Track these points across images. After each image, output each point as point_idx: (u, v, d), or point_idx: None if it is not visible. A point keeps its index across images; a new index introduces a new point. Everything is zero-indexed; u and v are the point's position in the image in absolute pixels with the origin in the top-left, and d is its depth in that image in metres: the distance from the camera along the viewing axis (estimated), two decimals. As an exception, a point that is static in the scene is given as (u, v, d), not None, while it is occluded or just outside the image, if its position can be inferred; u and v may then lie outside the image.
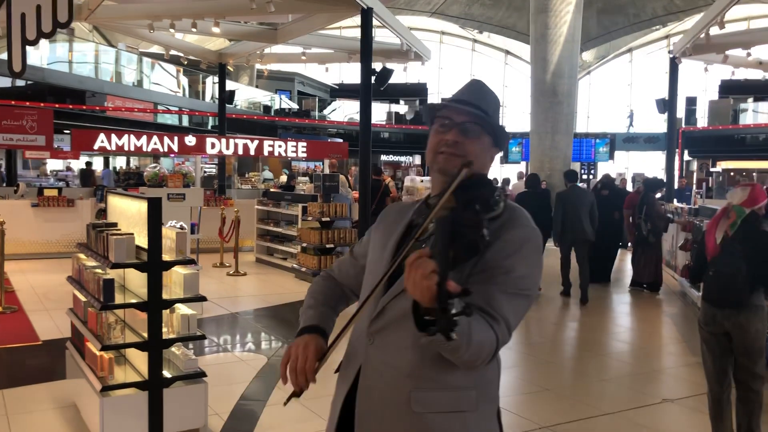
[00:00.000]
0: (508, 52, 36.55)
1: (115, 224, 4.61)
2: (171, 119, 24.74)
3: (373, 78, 9.35)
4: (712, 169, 25.69)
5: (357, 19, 10.45)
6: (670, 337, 7.96)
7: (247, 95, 29.01)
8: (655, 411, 5.23)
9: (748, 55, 13.97)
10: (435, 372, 1.67)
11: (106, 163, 26.72)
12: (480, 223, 1.52)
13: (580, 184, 11.57)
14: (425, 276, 1.35)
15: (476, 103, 1.77)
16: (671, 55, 14.74)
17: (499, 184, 12.86)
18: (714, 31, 11.58)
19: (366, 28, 9.43)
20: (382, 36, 14.53)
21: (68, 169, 24.53)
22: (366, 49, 9.37)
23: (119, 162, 28.16)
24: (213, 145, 13.72)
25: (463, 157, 1.70)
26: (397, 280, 1.70)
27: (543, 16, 17.59)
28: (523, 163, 26.35)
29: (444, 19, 31.52)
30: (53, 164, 24.99)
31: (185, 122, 25.38)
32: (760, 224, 4.13)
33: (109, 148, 12.71)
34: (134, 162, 27.29)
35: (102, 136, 12.64)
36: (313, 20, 12.32)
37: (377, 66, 11.73)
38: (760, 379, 4.15)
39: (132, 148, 12.90)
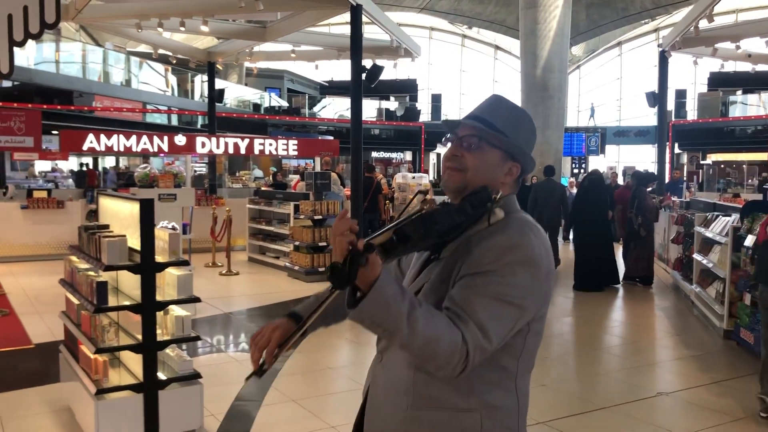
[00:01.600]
0: (497, 47, 36.60)
1: (107, 226, 4.58)
2: (160, 118, 24.63)
3: (363, 75, 9.31)
4: (702, 162, 25.80)
5: (346, 16, 10.42)
6: (664, 331, 7.99)
7: (236, 93, 28.93)
8: (650, 404, 5.24)
9: (737, 48, 14.02)
10: (431, 390, 1.65)
11: (95, 164, 26.57)
12: (434, 216, 1.54)
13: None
14: (340, 232, 1.44)
15: (484, 116, 1.73)
16: (661, 49, 14.78)
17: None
18: (703, 24, 11.61)
19: (355, 24, 9.40)
20: (371, 32, 14.49)
21: (54, 170, 24.34)
22: (356, 46, 9.34)
23: (108, 162, 28.01)
24: (203, 145, 13.66)
25: (463, 171, 1.70)
26: None
27: (532, 11, 17.61)
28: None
29: (433, 14, 31.52)
30: (40, 165, 24.79)
31: (174, 121, 25.26)
32: None
33: (98, 148, 12.63)
34: (123, 162, 27.14)
35: (91, 137, 12.55)
36: (302, 17, 12.26)
37: (367, 63, 11.69)
38: None
39: (121, 149, 12.83)
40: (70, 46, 22.91)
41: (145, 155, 18.64)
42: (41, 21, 5.58)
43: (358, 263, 1.40)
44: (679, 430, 4.70)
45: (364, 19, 10.54)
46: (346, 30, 10.41)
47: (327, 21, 17.29)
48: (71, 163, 23.44)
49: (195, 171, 19.41)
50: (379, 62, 12.07)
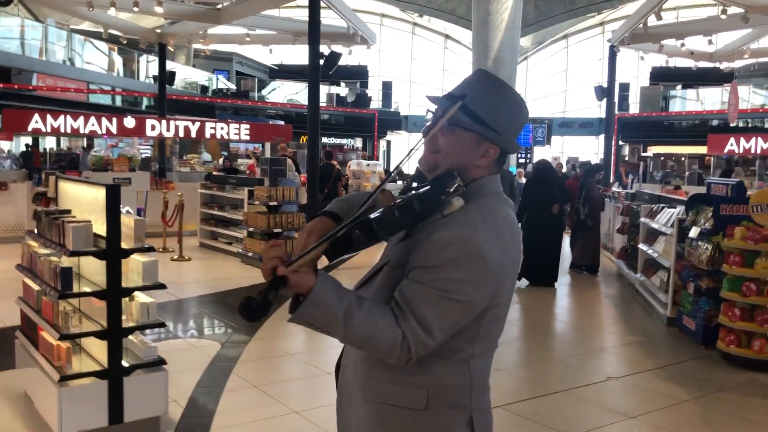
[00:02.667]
0: (447, 37, 36.78)
1: (69, 211, 4.50)
2: (104, 99, 23.94)
3: (321, 61, 9.30)
4: (643, 154, 26.63)
5: (301, 1, 10.35)
6: (610, 318, 8.29)
7: (184, 75, 28.31)
8: (601, 388, 5.47)
9: (682, 45, 14.51)
10: (382, 364, 1.70)
11: (36, 143, 25.67)
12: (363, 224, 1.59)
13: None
14: (267, 259, 1.58)
15: (461, 95, 1.69)
16: (610, 44, 15.17)
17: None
18: (651, 21, 11.97)
19: (314, 10, 9.35)
20: (327, 18, 14.41)
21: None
22: (314, 32, 9.31)
23: (49, 143, 27.10)
24: (153, 127, 13.41)
25: (437, 152, 1.72)
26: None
27: (485, 1, 17.73)
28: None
29: (385, 1, 31.44)
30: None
31: (119, 102, 24.60)
32: None
33: (43, 129, 12.25)
34: (65, 143, 26.31)
35: (36, 117, 12.15)
36: (258, 1, 12.12)
37: (323, 49, 11.64)
38: None
39: (68, 130, 12.47)
40: (7, 21, 22.00)
41: (91, 137, 18.13)
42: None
43: (271, 294, 1.52)
44: (630, 412, 4.93)
45: (321, 4, 10.50)
46: (299, 14, 10.33)
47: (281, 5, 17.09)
48: (9, 144, 22.58)
49: (141, 154, 19.01)
50: (335, 48, 12.05)
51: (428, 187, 1.65)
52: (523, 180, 15.50)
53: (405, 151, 1.74)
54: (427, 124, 1.77)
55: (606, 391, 5.42)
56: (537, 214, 9.53)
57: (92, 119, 12.70)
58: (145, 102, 24.83)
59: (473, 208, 1.66)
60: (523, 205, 9.80)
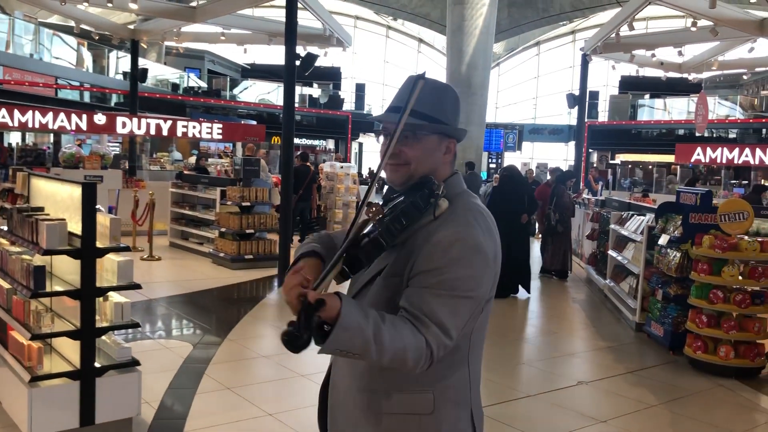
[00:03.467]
0: (421, 41, 36.96)
1: (41, 208, 4.42)
2: (72, 94, 23.54)
3: (297, 62, 9.27)
4: (611, 162, 27.04)
5: (276, 1, 10.27)
6: (580, 322, 8.40)
7: (154, 72, 27.97)
8: (572, 393, 5.54)
9: (653, 55, 14.78)
10: (384, 373, 1.70)
11: (0, 138, 25.14)
12: (370, 242, 1.60)
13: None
14: (289, 288, 1.54)
15: (402, 105, 1.67)
16: (582, 52, 15.39)
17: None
18: (624, 31, 12.18)
19: (291, 11, 9.31)
20: (302, 19, 14.34)
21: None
22: (290, 33, 9.27)
23: (14, 138, 26.55)
24: (124, 125, 13.23)
25: (407, 164, 1.74)
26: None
27: (459, 7, 17.87)
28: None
29: (360, 3, 31.48)
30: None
31: (87, 98, 24.20)
32: None
33: (10, 124, 12.00)
34: (30, 138, 25.80)
35: (3, 111, 11.91)
36: (234, 1, 12.04)
37: (299, 50, 11.60)
38: None
39: (36, 125, 12.24)
40: (-28, 12, 21.54)
41: (59, 132, 17.83)
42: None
43: (312, 321, 1.46)
44: (600, 416, 5.00)
45: (298, 5, 10.46)
46: (274, 13, 10.28)
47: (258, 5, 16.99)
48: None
49: (111, 150, 18.74)
50: (310, 50, 12.02)
51: (416, 193, 1.67)
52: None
53: (377, 154, 1.74)
54: (381, 142, 1.79)
55: (577, 396, 5.50)
56: (504, 223, 8.46)
57: (61, 115, 12.48)
58: (114, 99, 24.47)
59: (458, 207, 1.72)
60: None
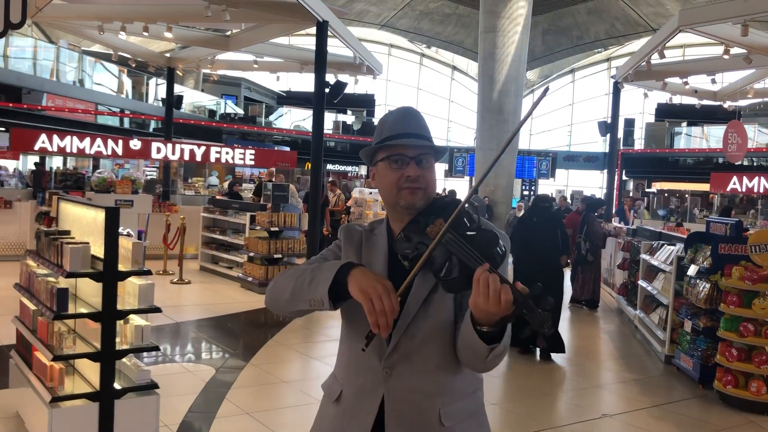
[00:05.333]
0: (454, 68, 37.13)
1: (68, 232, 4.53)
2: (112, 120, 24.16)
3: (327, 90, 9.40)
4: (647, 190, 26.68)
5: (309, 29, 10.46)
6: (608, 354, 8.24)
7: (192, 99, 28.60)
8: (595, 426, 5.43)
9: (686, 83, 14.62)
10: (458, 384, 1.85)
11: (42, 162, 25.87)
12: (495, 238, 1.70)
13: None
14: (497, 288, 1.55)
15: (420, 132, 1.87)
16: (614, 80, 15.30)
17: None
18: (655, 59, 12.09)
19: (321, 40, 9.49)
20: (334, 47, 14.59)
21: (-1, 168, 23.57)
22: (320, 62, 9.43)
23: (56, 162, 27.30)
24: (158, 150, 13.50)
25: (424, 188, 1.83)
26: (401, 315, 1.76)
27: (491, 35, 17.98)
28: (467, 178, 26.85)
29: (393, 32, 31.83)
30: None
31: (126, 124, 24.82)
32: None
33: (50, 149, 12.34)
34: (71, 163, 26.49)
35: (43, 137, 12.26)
36: (267, 29, 12.28)
37: (330, 78, 11.78)
38: None
39: (74, 150, 12.57)
40: (21, 42, 22.30)
41: (97, 157, 18.31)
42: (6, 20, 5.49)
43: (545, 312, 1.53)
44: (623, 451, 4.89)
45: (328, 33, 10.65)
46: (306, 41, 10.46)
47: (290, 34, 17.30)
48: (16, 162, 22.74)
49: (147, 175, 19.12)
50: (342, 78, 12.18)
51: (460, 211, 1.72)
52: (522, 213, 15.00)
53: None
54: (398, 158, 1.85)
55: (601, 429, 5.38)
56: (536, 265, 7.35)
57: (98, 140, 12.80)
58: (153, 125, 25.03)
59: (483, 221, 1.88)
60: (515, 252, 7.61)
